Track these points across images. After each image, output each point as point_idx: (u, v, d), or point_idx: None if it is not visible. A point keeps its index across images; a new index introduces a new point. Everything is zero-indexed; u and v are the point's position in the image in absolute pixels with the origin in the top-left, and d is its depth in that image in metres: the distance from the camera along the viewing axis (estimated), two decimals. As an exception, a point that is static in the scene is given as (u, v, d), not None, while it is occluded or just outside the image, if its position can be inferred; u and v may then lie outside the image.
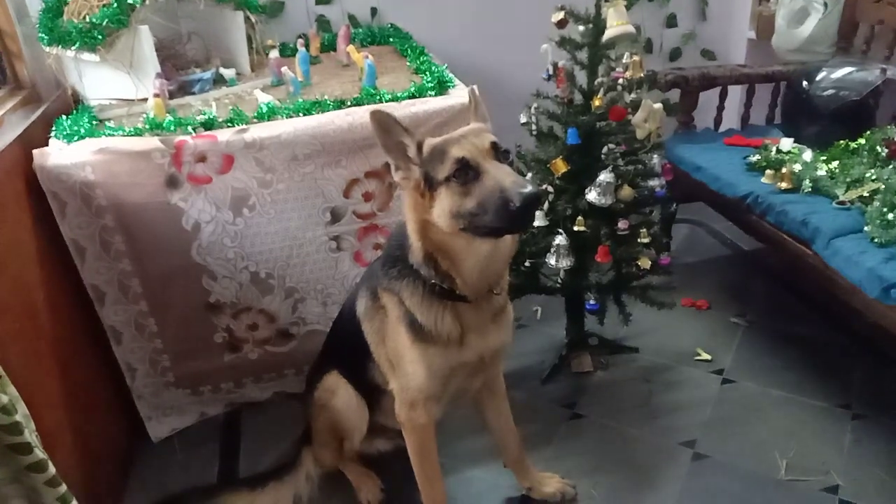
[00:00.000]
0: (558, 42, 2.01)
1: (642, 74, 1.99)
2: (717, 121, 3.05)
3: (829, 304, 2.55)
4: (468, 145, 1.36)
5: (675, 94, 2.99)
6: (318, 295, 2.19)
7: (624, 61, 2.00)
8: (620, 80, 2.00)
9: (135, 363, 2.13)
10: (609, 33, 1.89)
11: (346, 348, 1.80)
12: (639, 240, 2.10)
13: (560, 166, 2.00)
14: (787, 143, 2.55)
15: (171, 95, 2.18)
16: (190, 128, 1.90)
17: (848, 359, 2.43)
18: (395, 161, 1.43)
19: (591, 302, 2.15)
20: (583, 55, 2.03)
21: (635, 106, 2.00)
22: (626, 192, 2.03)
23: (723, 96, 2.98)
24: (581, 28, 1.99)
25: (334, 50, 2.65)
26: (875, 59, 2.81)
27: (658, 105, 2.00)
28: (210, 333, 2.16)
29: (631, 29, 1.87)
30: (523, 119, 2.16)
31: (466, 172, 1.34)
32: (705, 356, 2.48)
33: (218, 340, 2.18)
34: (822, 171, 2.32)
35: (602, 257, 2.05)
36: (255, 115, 1.97)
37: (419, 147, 1.41)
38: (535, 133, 2.16)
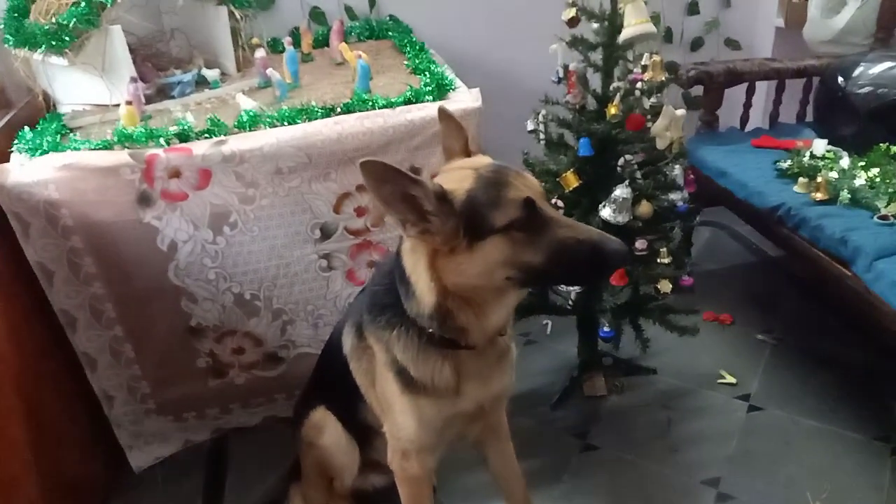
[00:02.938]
0: (569, 42, 1.81)
1: (664, 77, 1.78)
2: (744, 119, 2.82)
3: (868, 321, 2.34)
4: (523, 187, 1.17)
5: (696, 91, 2.80)
6: (308, 316, 2.03)
7: (643, 62, 1.79)
8: (639, 84, 1.79)
9: (112, 391, 1.98)
10: (626, 33, 1.68)
11: (334, 384, 1.64)
12: (658, 259, 1.90)
13: (571, 180, 1.81)
14: (820, 146, 2.33)
15: (149, 100, 2.01)
16: (162, 140, 1.74)
17: (888, 384, 2.21)
18: (399, 215, 1.17)
19: (606, 329, 1.96)
20: (597, 56, 1.82)
21: (655, 112, 1.79)
22: (645, 208, 1.82)
23: (750, 93, 2.75)
24: (595, 26, 1.78)
25: (328, 45, 2.47)
26: (919, 52, 2.56)
27: (681, 111, 1.78)
28: (192, 358, 2.01)
29: (651, 28, 1.66)
30: (530, 126, 1.96)
31: (534, 219, 1.15)
32: (730, 379, 2.29)
33: (201, 365, 2.03)
34: (860, 180, 2.10)
35: (618, 280, 1.86)
36: (235, 124, 1.80)
37: (440, 196, 1.16)
38: (543, 141, 1.96)
